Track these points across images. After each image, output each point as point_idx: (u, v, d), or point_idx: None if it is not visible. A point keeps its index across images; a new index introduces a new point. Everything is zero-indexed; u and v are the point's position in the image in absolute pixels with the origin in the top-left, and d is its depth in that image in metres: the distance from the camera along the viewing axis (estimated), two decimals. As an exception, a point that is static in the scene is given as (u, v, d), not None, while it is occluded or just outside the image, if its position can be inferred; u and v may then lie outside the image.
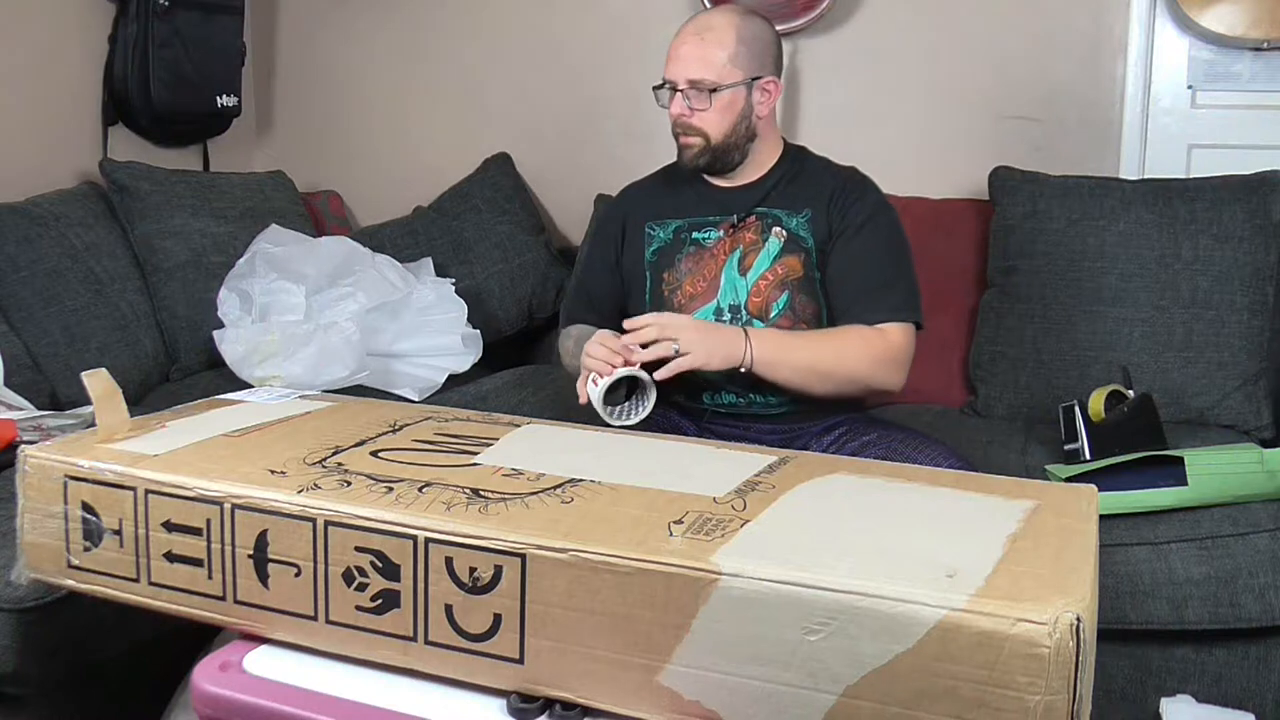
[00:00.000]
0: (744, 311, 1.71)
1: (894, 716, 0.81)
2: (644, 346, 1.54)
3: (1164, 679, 1.73)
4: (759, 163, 1.79)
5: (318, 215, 2.82)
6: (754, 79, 1.70)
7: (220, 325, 2.21)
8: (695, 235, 1.77)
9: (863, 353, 1.64)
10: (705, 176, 1.79)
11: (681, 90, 1.69)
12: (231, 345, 2.14)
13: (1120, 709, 1.75)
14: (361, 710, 0.95)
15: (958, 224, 2.41)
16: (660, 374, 1.53)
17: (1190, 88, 2.48)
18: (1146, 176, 2.45)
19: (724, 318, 1.72)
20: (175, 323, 2.34)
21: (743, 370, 1.59)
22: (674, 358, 1.53)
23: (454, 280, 2.43)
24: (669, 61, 1.70)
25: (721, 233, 1.75)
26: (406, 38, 2.98)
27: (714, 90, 1.67)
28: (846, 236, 1.72)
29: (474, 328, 2.35)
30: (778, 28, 1.82)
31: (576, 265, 2.57)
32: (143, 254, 2.35)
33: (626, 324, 1.58)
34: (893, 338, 1.67)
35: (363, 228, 2.79)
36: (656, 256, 1.80)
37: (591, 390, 1.55)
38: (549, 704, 0.93)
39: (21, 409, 1.86)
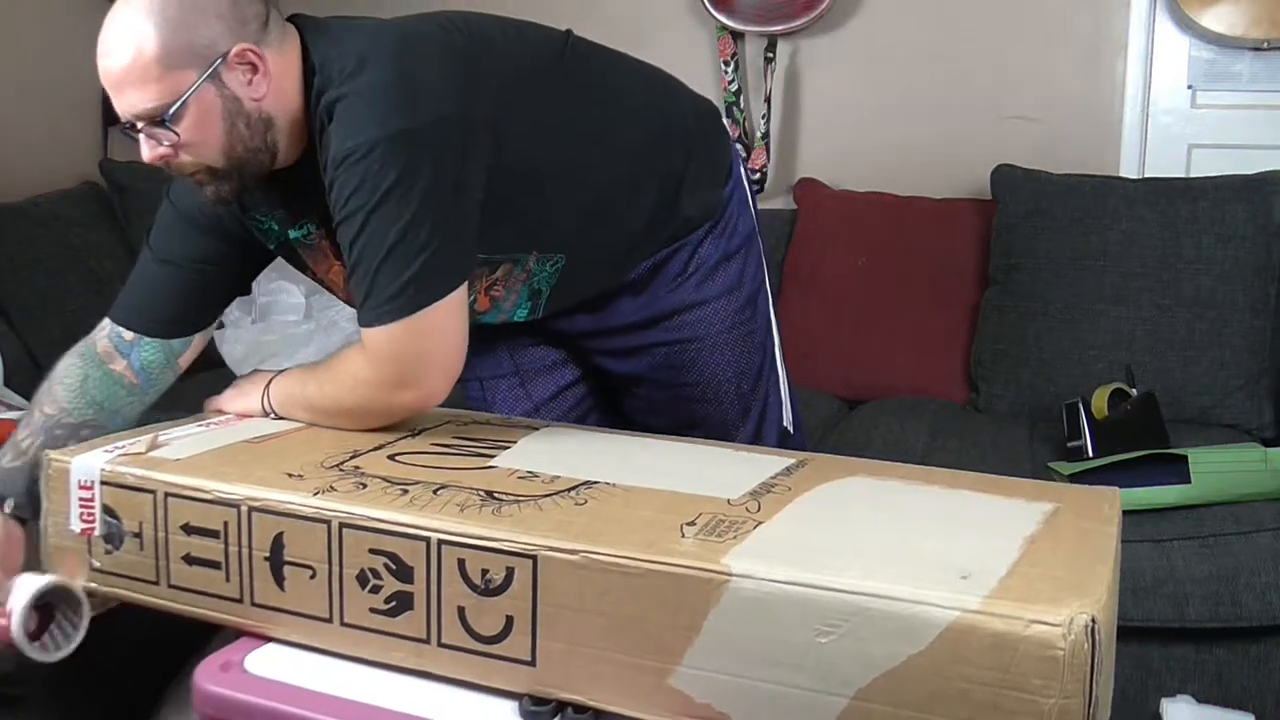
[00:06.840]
0: None
1: (906, 719, 0.81)
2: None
3: (1164, 679, 1.74)
4: (294, 143, 1.24)
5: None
6: (217, 62, 1.15)
7: (220, 325, 2.21)
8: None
9: (344, 381, 1.22)
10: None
11: (141, 131, 1.18)
12: (231, 345, 2.14)
13: (1120, 709, 1.75)
14: (365, 711, 0.94)
15: (960, 223, 2.41)
16: None
17: (1190, 88, 2.49)
18: (1147, 176, 2.46)
19: None
20: (176, 322, 2.34)
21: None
22: None
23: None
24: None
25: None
26: (406, 36, 2.97)
27: (169, 111, 1.14)
28: (337, 216, 1.17)
29: (475, 327, 2.35)
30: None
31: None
32: (143, 254, 2.34)
33: None
34: (372, 349, 1.18)
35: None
36: None
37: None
38: (561, 706, 0.92)
39: (22, 409, 1.85)
